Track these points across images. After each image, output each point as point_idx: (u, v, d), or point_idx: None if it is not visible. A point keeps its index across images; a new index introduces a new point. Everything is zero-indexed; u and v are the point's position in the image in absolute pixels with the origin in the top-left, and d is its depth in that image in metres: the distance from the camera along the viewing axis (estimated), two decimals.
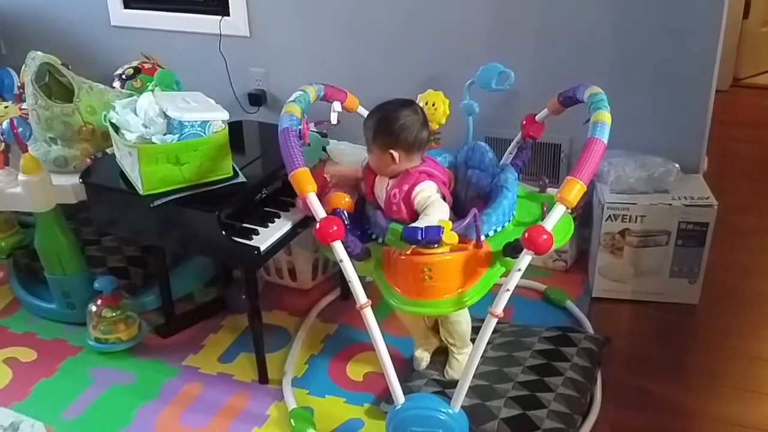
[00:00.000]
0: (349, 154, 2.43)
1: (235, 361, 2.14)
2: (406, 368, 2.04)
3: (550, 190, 2.04)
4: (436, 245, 1.60)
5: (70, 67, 2.41)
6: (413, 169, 1.76)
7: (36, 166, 2.10)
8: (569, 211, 1.63)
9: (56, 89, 2.29)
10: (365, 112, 2.13)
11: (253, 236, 1.87)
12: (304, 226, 1.98)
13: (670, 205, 2.22)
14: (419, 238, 1.56)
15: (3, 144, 2.15)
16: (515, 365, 1.96)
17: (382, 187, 1.81)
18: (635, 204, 2.24)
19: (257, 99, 2.92)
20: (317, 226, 1.59)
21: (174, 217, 1.89)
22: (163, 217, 1.89)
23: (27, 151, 2.09)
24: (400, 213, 1.75)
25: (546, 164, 2.67)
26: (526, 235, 1.54)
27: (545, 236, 1.53)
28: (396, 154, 1.73)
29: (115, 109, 1.95)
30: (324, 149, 1.96)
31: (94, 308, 2.16)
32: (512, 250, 1.64)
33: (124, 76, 2.57)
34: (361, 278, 1.64)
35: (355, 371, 2.07)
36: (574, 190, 1.56)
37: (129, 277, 2.43)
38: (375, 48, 2.70)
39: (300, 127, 1.75)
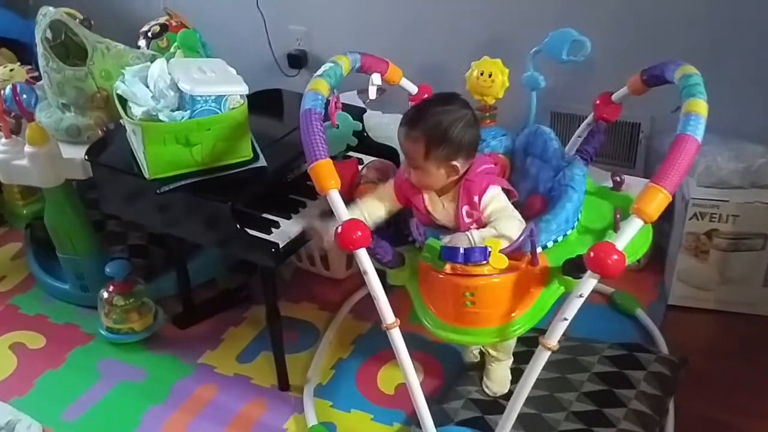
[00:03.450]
0: (394, 128, 2.19)
1: (255, 361, 1.99)
2: (442, 383, 1.84)
3: (629, 182, 1.77)
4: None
5: (92, 22, 2.23)
6: (472, 174, 1.49)
7: (42, 136, 1.95)
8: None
9: (74, 49, 2.12)
10: (410, 86, 1.88)
11: (273, 229, 1.68)
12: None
13: None
14: (459, 261, 1.33)
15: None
16: (570, 390, 1.72)
17: (437, 206, 1.52)
18: (727, 201, 1.96)
19: (297, 60, 2.70)
20: (338, 229, 1.37)
21: (183, 206, 1.71)
22: (172, 204, 1.71)
23: (33, 120, 1.94)
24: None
25: (622, 146, 2.39)
26: (592, 253, 1.29)
27: (616, 257, 1.27)
28: (459, 164, 1.45)
29: (124, 78, 1.75)
30: (355, 134, 1.73)
31: (105, 295, 2.03)
32: (574, 268, 1.39)
33: (150, 34, 2.37)
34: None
35: (387, 382, 1.88)
36: (656, 200, 1.28)
37: (149, 257, 2.29)
38: (427, 4, 2.42)
39: (327, 108, 1.51)
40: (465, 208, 1.47)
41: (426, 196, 1.52)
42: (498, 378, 1.73)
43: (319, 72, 1.60)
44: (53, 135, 2.07)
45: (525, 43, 1.86)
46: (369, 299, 2.13)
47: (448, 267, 1.38)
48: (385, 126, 2.21)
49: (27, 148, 1.95)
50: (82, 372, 1.97)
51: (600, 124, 1.80)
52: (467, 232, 1.43)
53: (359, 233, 1.37)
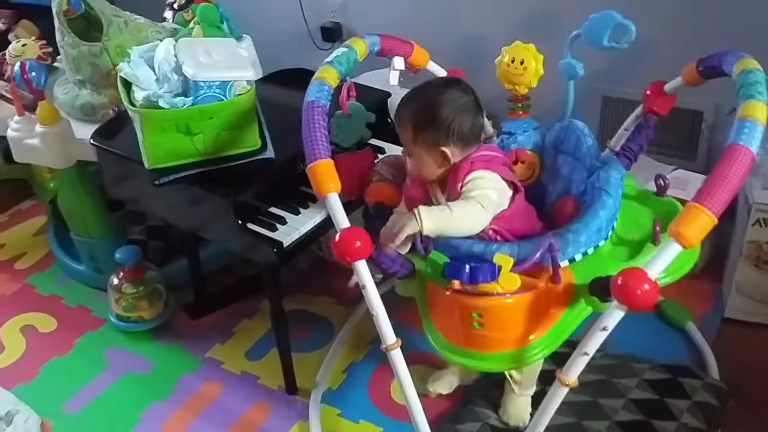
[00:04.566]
0: None
1: (265, 358, 1.92)
2: (460, 398, 1.73)
3: (686, 178, 1.61)
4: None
5: None
6: (463, 160, 1.37)
7: (53, 116, 1.90)
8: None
9: (94, 22, 2.05)
10: (438, 70, 1.74)
11: (279, 226, 1.58)
12: (349, 210, 1.64)
13: None
14: (464, 279, 1.21)
15: None
16: (600, 419, 1.59)
17: (438, 200, 1.43)
18: None
19: (331, 34, 2.59)
20: (336, 238, 1.27)
21: (183, 198, 1.63)
22: (172, 196, 1.63)
23: (43, 98, 1.89)
24: None
25: (681, 136, 2.20)
26: (619, 281, 1.15)
27: (646, 287, 1.12)
28: (449, 152, 1.36)
29: (130, 59, 1.67)
30: (369, 125, 1.61)
31: (115, 281, 1.99)
32: (601, 289, 1.26)
33: (176, 5, 2.30)
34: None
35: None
36: (697, 223, 1.13)
37: (167, 239, 2.23)
38: None
39: (330, 101, 1.39)
40: (455, 198, 1.35)
41: (431, 189, 1.41)
42: (515, 412, 1.61)
43: (328, 58, 1.48)
44: (69, 112, 2.03)
45: (564, 25, 1.70)
46: (390, 295, 2.05)
47: (455, 283, 1.25)
48: None
49: (38, 128, 1.91)
50: (88, 361, 1.95)
51: (649, 117, 1.63)
52: (415, 209, 1.28)
53: (359, 243, 1.26)
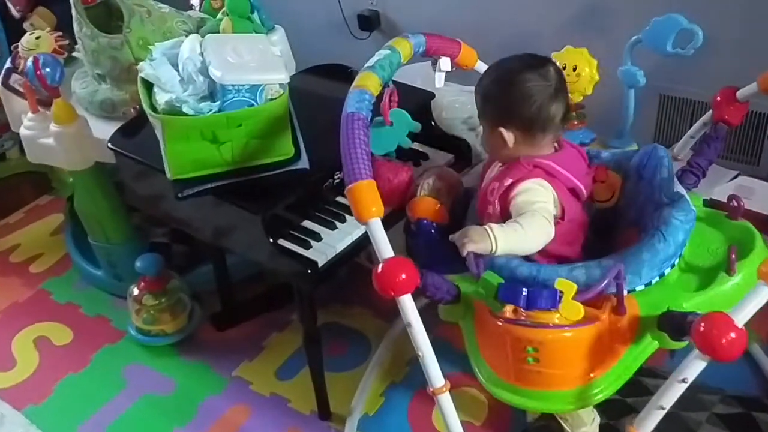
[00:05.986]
0: (460, 104, 1.92)
1: (296, 378, 1.85)
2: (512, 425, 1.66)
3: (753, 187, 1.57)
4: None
5: None
6: (527, 158, 1.31)
7: (69, 114, 1.84)
8: None
9: (117, 11, 1.96)
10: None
11: (313, 243, 1.49)
12: (392, 222, 1.54)
13: None
14: (521, 304, 1.13)
15: None
16: None
17: (490, 177, 1.40)
18: None
19: (368, 22, 2.48)
20: (378, 268, 1.17)
21: (210, 211, 1.55)
22: (197, 209, 1.55)
23: (57, 96, 1.82)
24: (493, 218, 1.33)
25: (744, 139, 2.12)
26: (701, 327, 1.05)
27: (733, 335, 1.02)
28: (508, 135, 1.31)
29: (151, 57, 1.58)
30: (411, 135, 1.51)
31: (135, 292, 1.93)
32: (673, 327, 1.16)
33: None
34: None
35: None
36: None
37: (192, 242, 2.16)
38: None
39: (372, 112, 1.30)
40: (493, 185, 1.33)
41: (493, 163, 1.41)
42: None
43: (370, 62, 1.38)
44: (87, 108, 1.97)
45: (622, 28, 1.60)
46: (431, 309, 1.96)
47: (508, 310, 1.16)
48: (461, 106, 1.95)
49: (53, 127, 1.84)
50: (105, 379, 1.88)
51: (720, 127, 1.53)
52: (485, 226, 1.24)
53: (404, 275, 1.17)
